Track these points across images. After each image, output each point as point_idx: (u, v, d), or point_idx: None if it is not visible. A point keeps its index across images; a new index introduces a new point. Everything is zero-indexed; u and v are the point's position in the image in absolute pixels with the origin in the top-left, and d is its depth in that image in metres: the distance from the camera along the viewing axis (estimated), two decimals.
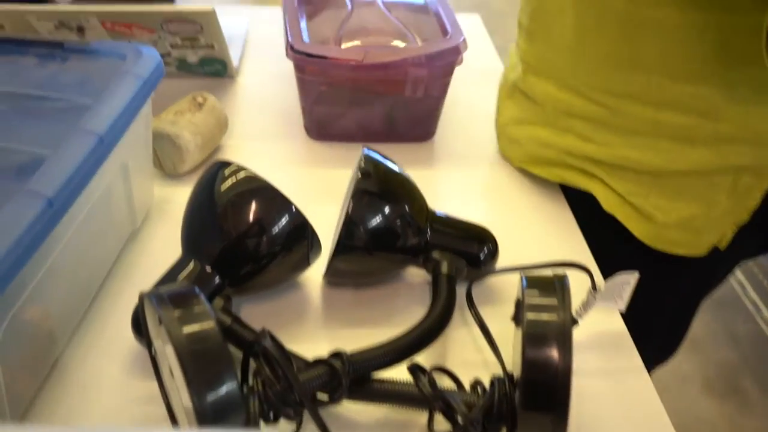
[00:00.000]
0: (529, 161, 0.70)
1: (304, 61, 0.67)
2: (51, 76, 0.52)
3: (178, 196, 0.65)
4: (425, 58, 0.68)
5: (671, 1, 0.53)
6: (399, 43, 0.74)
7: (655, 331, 0.79)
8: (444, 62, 0.69)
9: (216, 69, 0.83)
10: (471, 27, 1.06)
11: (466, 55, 0.95)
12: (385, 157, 0.55)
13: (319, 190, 0.68)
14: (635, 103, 0.59)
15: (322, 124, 0.75)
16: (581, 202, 0.68)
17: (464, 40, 0.69)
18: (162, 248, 0.59)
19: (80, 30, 0.71)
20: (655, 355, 0.83)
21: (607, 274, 0.60)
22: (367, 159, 0.53)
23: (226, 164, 0.50)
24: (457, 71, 0.89)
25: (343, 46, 0.73)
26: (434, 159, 0.74)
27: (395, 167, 0.54)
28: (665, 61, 0.56)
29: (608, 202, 0.65)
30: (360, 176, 0.51)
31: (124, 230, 0.58)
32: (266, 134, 0.76)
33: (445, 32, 0.71)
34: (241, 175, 0.49)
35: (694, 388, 1.63)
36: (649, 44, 0.55)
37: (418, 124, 0.76)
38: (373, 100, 0.72)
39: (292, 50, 0.66)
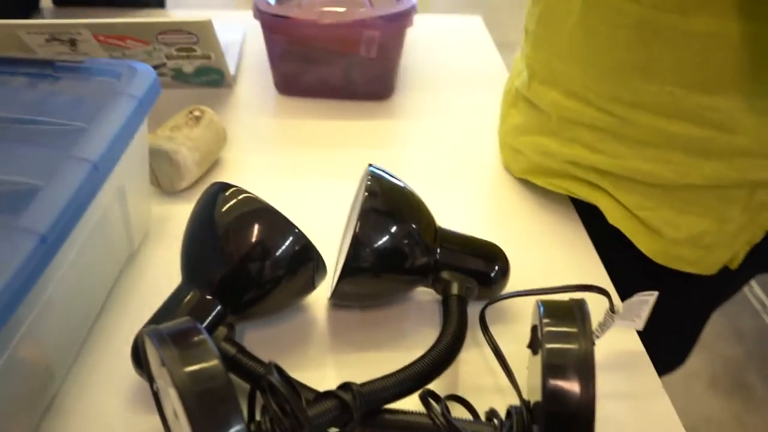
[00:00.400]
0: (533, 172, 0.68)
1: (268, 20, 0.75)
2: (42, 98, 0.50)
3: (177, 214, 0.63)
4: (378, 19, 0.75)
5: (690, 8, 0.50)
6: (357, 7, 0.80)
7: (664, 343, 0.78)
8: (395, 24, 0.76)
9: (213, 79, 0.81)
10: (472, 28, 1.04)
11: (467, 57, 0.94)
12: (390, 174, 0.53)
13: (326, 204, 0.66)
14: (647, 113, 0.57)
15: (288, 80, 0.83)
16: (586, 215, 0.66)
17: (415, 5, 0.77)
18: (161, 271, 0.57)
19: (72, 43, 0.69)
20: (665, 363, 0.82)
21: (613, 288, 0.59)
22: (373, 177, 0.51)
23: (226, 187, 0.48)
24: (458, 72, 0.88)
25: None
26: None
27: (401, 183, 0.53)
28: (680, 70, 0.53)
29: (614, 216, 0.63)
30: (366, 195, 0.49)
31: (121, 254, 0.56)
32: (266, 146, 0.75)
33: None
34: (242, 197, 0.47)
35: (701, 386, 1.61)
36: (664, 52, 0.53)
37: (375, 82, 0.82)
38: (332, 59, 0.79)
39: (258, 11, 0.75)
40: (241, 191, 0.47)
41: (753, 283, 1.75)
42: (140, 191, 0.57)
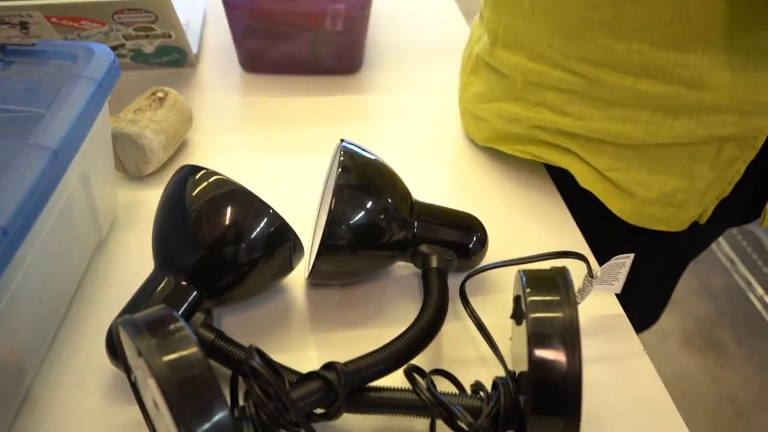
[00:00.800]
0: (497, 139, 0.67)
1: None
2: None
3: (145, 199, 0.61)
4: None
5: None
6: None
7: (639, 300, 0.78)
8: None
9: (174, 59, 0.78)
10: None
11: (435, 29, 0.92)
12: (363, 149, 0.52)
13: (298, 182, 0.64)
14: (614, 72, 0.56)
15: (253, 57, 0.80)
16: (557, 178, 0.66)
17: None
18: (132, 258, 0.56)
19: (23, 26, 0.66)
20: (639, 322, 0.82)
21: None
22: (346, 152, 0.50)
23: (195, 169, 0.46)
24: (425, 44, 0.86)
25: None
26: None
27: (374, 157, 0.52)
28: (649, 27, 0.53)
29: (585, 178, 0.63)
30: (340, 171, 0.48)
31: (89, 242, 0.54)
32: (234, 126, 0.73)
33: None
34: (213, 179, 0.46)
35: (675, 344, 1.65)
36: (632, 8, 0.53)
37: (342, 56, 0.80)
38: (297, 33, 0.77)
39: None
40: (212, 173, 0.46)
41: (721, 240, 1.78)
42: (105, 177, 0.55)
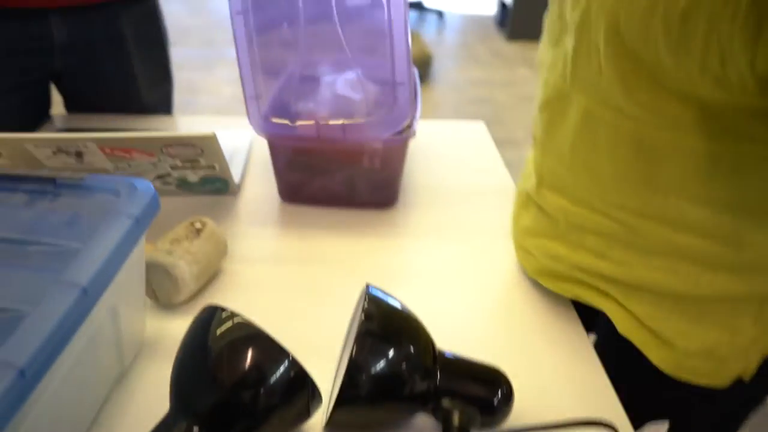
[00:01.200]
0: (542, 273, 0.68)
1: (270, 135, 0.76)
2: (39, 217, 0.50)
3: (172, 330, 0.61)
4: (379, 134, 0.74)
5: (684, 127, 0.50)
6: (353, 94, 0.78)
7: None
8: (399, 139, 0.75)
9: (217, 187, 0.81)
10: (475, 134, 1.06)
11: (471, 163, 0.94)
12: (389, 294, 0.52)
13: (325, 320, 0.64)
14: (653, 222, 0.56)
15: (292, 189, 0.83)
16: (593, 317, 0.65)
17: (417, 118, 0.77)
18: (151, 391, 0.55)
19: (78, 155, 0.70)
20: None
21: (623, 401, 0.56)
22: (371, 298, 0.50)
23: (218, 310, 0.46)
24: (461, 179, 0.88)
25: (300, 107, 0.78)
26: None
27: (399, 306, 0.51)
28: (684, 184, 0.53)
29: (624, 325, 0.61)
30: (363, 318, 0.48)
31: (110, 375, 0.54)
32: (267, 257, 0.74)
33: (393, 72, 0.72)
34: (234, 322, 0.46)
35: None
36: (665, 166, 0.53)
37: (378, 191, 0.82)
38: (335, 169, 0.79)
39: (261, 127, 0.75)
40: (233, 315, 0.46)
41: None
42: (134, 309, 0.56)
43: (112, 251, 0.46)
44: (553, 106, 0.62)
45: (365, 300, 0.49)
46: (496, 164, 0.96)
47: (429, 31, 4.69)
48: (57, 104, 1.07)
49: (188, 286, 0.62)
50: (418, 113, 0.81)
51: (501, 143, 2.90)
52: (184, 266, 0.62)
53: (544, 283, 0.67)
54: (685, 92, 0.48)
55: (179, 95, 3.20)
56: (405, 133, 0.77)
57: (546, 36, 0.63)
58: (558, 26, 0.59)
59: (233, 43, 0.73)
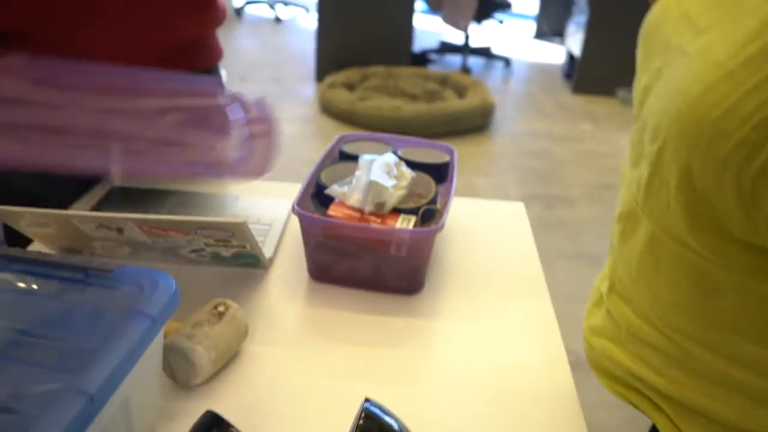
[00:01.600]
0: (601, 372, 0.69)
1: (303, 219, 0.81)
2: (66, 311, 0.54)
3: (188, 411, 0.64)
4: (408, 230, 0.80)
5: (745, 271, 0.51)
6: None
7: None
8: (426, 230, 0.80)
9: (249, 262, 0.84)
10: (514, 214, 1.06)
11: (505, 239, 0.95)
12: (387, 411, 0.53)
13: (336, 412, 0.65)
14: (709, 352, 0.56)
15: (320, 269, 0.86)
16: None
17: (448, 209, 0.82)
18: None
19: (119, 230, 0.74)
20: None
21: None
22: (367, 415, 0.51)
23: (214, 421, 0.48)
24: (492, 268, 0.88)
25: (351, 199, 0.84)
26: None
27: (395, 424, 0.52)
28: (742, 322, 0.53)
29: None
30: None
31: None
32: (290, 338, 0.76)
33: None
34: None
35: None
36: (723, 303, 0.53)
37: (404, 278, 0.84)
38: (363, 254, 0.82)
39: (297, 213, 0.80)
40: (229, 427, 0.48)
41: None
42: (148, 395, 0.59)
43: (126, 355, 0.49)
44: (627, 221, 0.64)
45: (361, 416, 0.51)
46: (529, 252, 0.96)
47: (495, 78, 4.72)
48: None
49: (205, 370, 0.65)
50: (449, 205, 0.83)
51: (554, 200, 2.87)
52: (203, 351, 0.64)
53: (601, 380, 0.68)
54: (751, 242, 0.49)
55: None
56: (433, 227, 0.79)
57: (629, 152, 0.64)
58: (638, 150, 0.61)
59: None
